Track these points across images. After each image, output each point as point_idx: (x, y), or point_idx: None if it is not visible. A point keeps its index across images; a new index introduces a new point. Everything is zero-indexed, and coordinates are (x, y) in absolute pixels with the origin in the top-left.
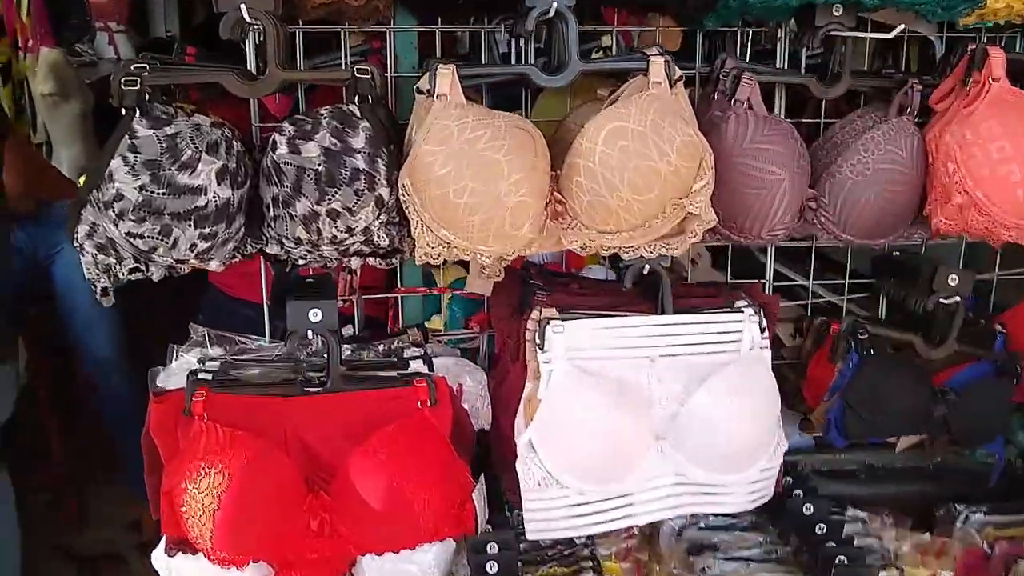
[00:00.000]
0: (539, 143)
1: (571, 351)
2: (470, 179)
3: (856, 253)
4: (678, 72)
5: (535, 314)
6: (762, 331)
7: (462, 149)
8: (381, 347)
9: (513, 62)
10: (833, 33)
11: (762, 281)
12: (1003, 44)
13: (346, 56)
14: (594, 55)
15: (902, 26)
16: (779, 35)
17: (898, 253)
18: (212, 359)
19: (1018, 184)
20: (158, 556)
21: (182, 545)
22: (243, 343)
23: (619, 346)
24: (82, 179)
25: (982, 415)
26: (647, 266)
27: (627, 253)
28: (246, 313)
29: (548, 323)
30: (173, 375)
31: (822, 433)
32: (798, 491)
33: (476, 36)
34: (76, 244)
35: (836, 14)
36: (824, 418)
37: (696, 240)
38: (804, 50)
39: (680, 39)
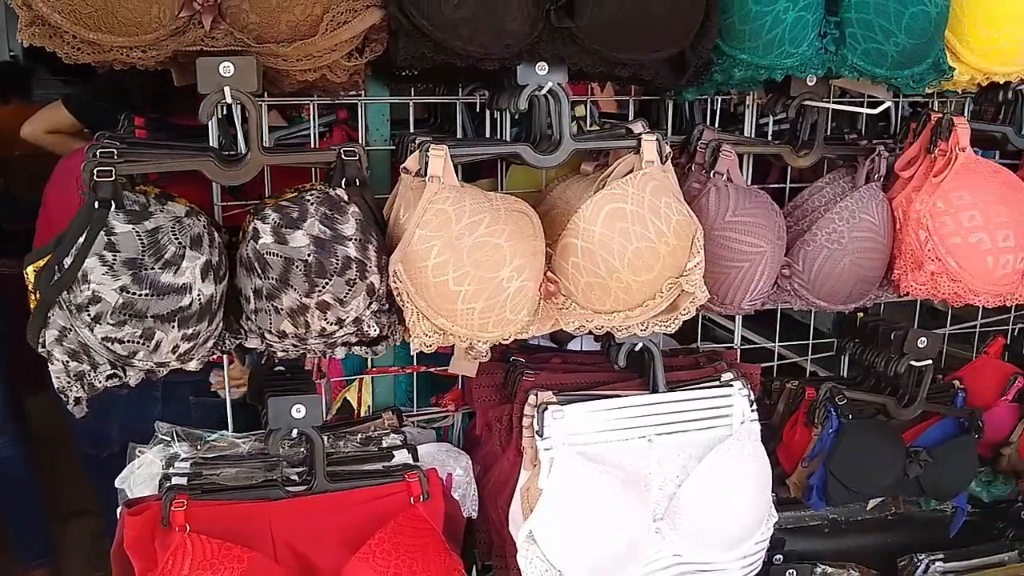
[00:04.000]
0: (536, 225)
1: (572, 436)
2: (471, 266)
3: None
4: (667, 149)
5: (532, 399)
6: (751, 403)
7: (461, 235)
8: (359, 436)
9: (488, 134)
10: (808, 103)
11: (733, 346)
12: (951, 106)
13: (315, 131)
14: None
15: (888, 103)
16: (747, 103)
17: (861, 314)
18: (180, 459)
19: (988, 252)
20: None
21: None
22: (208, 438)
23: (618, 428)
24: (31, 270)
25: (952, 472)
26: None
27: (621, 332)
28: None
29: (547, 408)
30: (136, 479)
31: (801, 498)
32: (778, 556)
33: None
34: (43, 350)
35: (810, 84)
36: (804, 484)
37: (688, 317)
38: (772, 117)
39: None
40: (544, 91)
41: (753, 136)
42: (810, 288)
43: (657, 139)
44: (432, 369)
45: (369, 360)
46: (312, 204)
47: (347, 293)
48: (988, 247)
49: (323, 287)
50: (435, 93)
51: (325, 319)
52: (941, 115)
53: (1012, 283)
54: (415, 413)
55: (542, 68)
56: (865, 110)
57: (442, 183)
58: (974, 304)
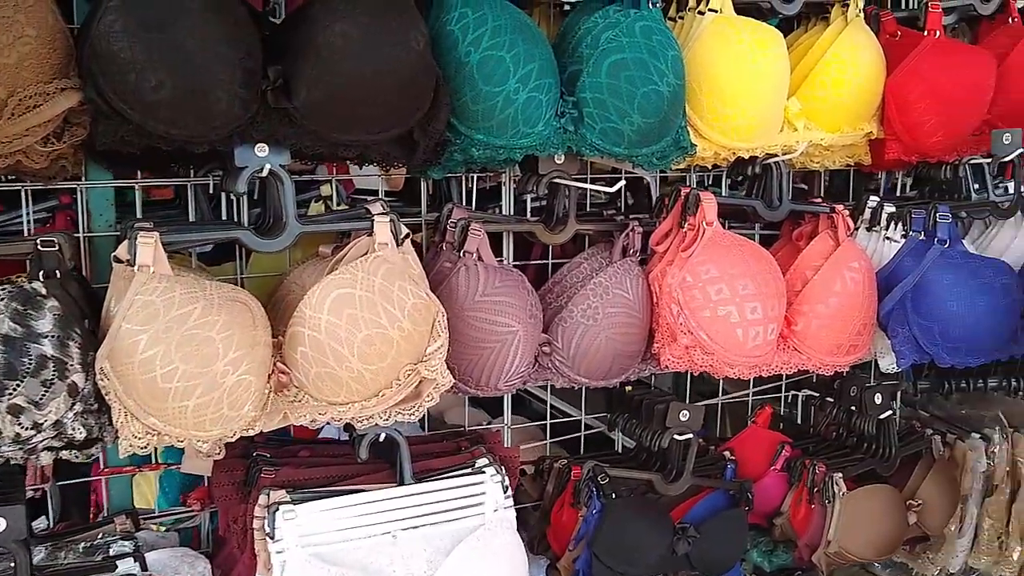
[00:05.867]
0: (258, 314)
1: (306, 537)
2: (180, 361)
3: None
4: (404, 230)
5: (263, 498)
6: (504, 490)
7: (169, 328)
8: (82, 544)
9: (224, 216)
10: (556, 181)
11: (500, 426)
12: (710, 181)
13: (28, 218)
14: (313, 204)
15: (622, 183)
16: (504, 180)
17: (629, 387)
18: None
19: (737, 324)
20: None
21: None
22: None
23: (359, 525)
24: None
25: (723, 547)
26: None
27: (361, 423)
28: None
29: (278, 508)
30: None
31: None
32: None
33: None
34: None
35: (558, 162)
36: (572, 568)
37: (432, 404)
38: (528, 195)
39: (403, 180)
40: (265, 173)
41: (512, 213)
42: (570, 365)
43: (391, 220)
44: (171, 466)
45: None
46: (2, 301)
47: (43, 395)
48: (737, 320)
49: (14, 389)
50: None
51: (19, 424)
52: (690, 190)
53: (765, 354)
54: (158, 514)
55: (262, 149)
56: (602, 188)
57: (152, 272)
58: (730, 376)
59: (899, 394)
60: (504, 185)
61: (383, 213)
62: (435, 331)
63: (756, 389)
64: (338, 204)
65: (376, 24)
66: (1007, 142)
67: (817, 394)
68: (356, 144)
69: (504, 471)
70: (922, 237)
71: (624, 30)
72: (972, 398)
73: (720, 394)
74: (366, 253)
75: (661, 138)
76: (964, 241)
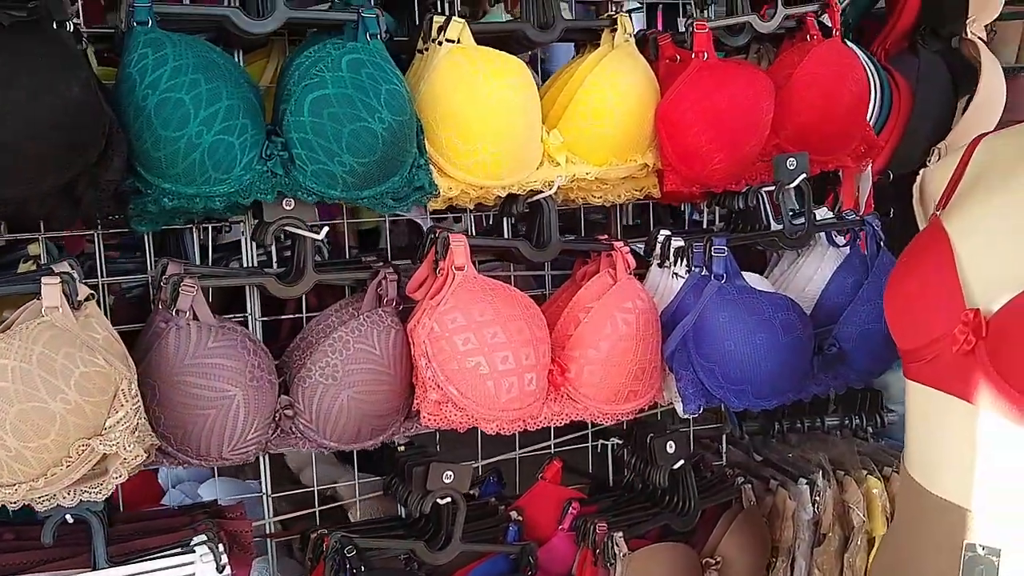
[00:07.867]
0: None
1: None
2: None
3: None
4: (85, 291)
5: None
6: (220, 570)
7: None
8: None
9: None
10: (289, 229)
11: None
12: (491, 221)
13: None
14: (22, 264)
15: (326, 229)
16: (242, 230)
17: (403, 447)
18: None
19: (487, 376)
20: None
21: None
22: None
23: None
24: None
25: None
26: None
27: (41, 504)
28: None
29: None
30: None
31: None
32: None
33: None
34: None
35: (288, 208)
36: None
37: (123, 480)
38: (264, 247)
39: None
40: None
41: (254, 265)
42: (315, 429)
43: (63, 282)
44: None
45: None
46: None
47: None
48: (487, 371)
49: None
50: None
51: None
52: (440, 232)
53: (527, 406)
54: None
55: None
56: (310, 234)
57: None
58: (490, 432)
59: (725, 437)
60: (243, 235)
61: (51, 275)
62: (117, 402)
63: (560, 439)
64: (48, 263)
65: (12, 69)
66: (791, 167)
67: (620, 442)
68: (10, 200)
69: (222, 548)
70: (704, 272)
71: (329, 64)
72: (813, 439)
73: (516, 447)
74: (36, 317)
75: (386, 179)
76: (773, 273)
